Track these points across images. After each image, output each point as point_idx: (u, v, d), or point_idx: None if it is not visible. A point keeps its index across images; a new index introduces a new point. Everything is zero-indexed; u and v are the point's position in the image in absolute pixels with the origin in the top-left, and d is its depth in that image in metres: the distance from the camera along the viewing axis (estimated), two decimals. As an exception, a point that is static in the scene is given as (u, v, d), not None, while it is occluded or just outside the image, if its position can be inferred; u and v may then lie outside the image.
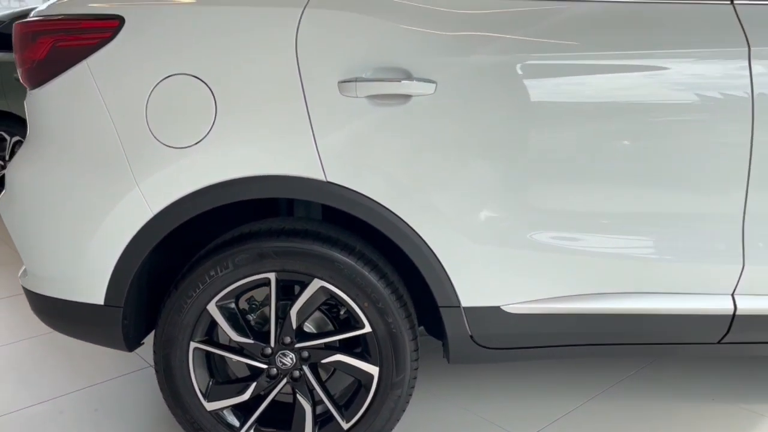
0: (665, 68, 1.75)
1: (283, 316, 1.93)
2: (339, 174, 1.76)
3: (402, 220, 1.79)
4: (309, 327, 2.00)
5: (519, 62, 1.73)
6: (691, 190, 1.79)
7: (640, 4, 1.79)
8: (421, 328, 2.10)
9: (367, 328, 1.89)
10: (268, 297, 1.90)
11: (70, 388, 2.59)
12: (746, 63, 1.72)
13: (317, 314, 1.99)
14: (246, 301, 2.04)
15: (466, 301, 1.87)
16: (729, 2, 1.77)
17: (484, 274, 1.85)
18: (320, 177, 1.75)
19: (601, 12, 1.78)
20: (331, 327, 2.01)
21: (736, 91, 1.73)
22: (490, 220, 1.81)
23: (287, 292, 1.99)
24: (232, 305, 1.93)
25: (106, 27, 1.76)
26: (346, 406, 1.99)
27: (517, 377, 2.55)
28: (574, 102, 1.75)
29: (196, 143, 1.74)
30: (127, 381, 2.63)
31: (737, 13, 1.75)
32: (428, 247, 1.81)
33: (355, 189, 1.77)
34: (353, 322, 1.92)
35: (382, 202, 1.78)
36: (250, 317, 2.01)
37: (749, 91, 1.72)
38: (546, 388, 2.49)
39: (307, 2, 1.73)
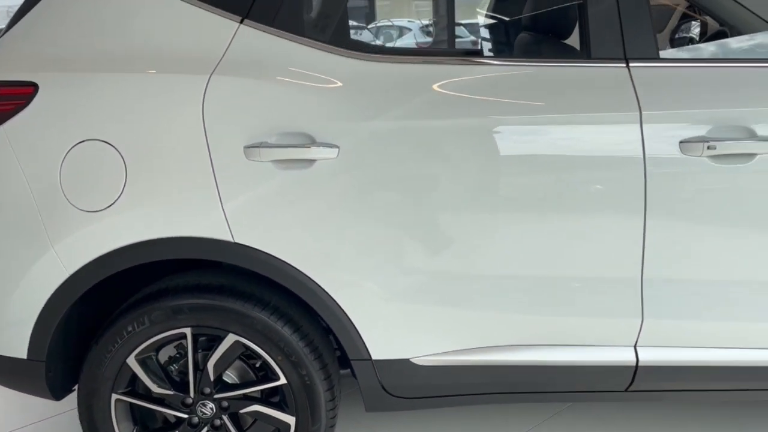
0: (561, 131, 1.80)
1: (203, 366, 1.99)
2: (246, 235, 1.81)
3: (310, 278, 1.85)
4: (231, 376, 2.06)
5: (416, 127, 1.78)
6: (590, 252, 1.84)
7: (539, 67, 1.84)
8: (348, 371, 2.15)
9: (283, 380, 1.95)
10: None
11: (20, 423, 2.65)
12: (638, 126, 1.76)
13: (238, 363, 2.05)
14: (174, 347, 2.10)
15: (376, 354, 1.93)
16: (624, 65, 1.81)
17: (392, 329, 1.91)
18: (228, 238, 1.81)
19: (502, 76, 1.83)
20: (252, 376, 2.07)
21: (629, 155, 1.77)
22: (395, 277, 1.86)
23: (215, 339, 2.04)
24: (153, 358, 1.99)
25: (21, 94, 1.81)
26: (267, 453, 2.05)
27: (449, 412, 2.60)
28: (471, 166, 1.80)
29: (108, 207, 1.80)
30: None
31: (632, 76, 1.80)
32: (337, 304, 1.87)
33: (262, 249, 1.82)
34: (270, 374, 1.98)
35: (289, 262, 1.84)
36: (173, 368, 2.07)
37: (641, 155, 1.77)
38: (480, 423, 2.54)
39: (214, 69, 1.79)
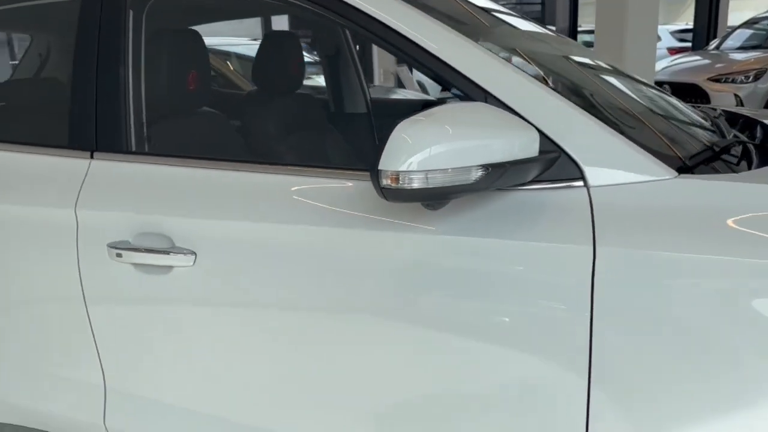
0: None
1: None
2: None
3: None
4: None
5: None
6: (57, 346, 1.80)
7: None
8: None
9: None
10: None
11: None
12: (74, 225, 1.67)
13: None
14: None
15: None
16: (89, 157, 1.73)
17: None
18: None
19: None
20: None
21: (66, 258, 1.69)
22: None
23: None
24: None
25: None
26: None
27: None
28: None
29: None
30: None
31: (89, 169, 1.71)
32: None
33: None
34: None
35: None
36: None
37: (76, 257, 1.68)
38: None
39: None
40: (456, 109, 1.29)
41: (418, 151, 1.20)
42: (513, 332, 1.33)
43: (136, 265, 1.61)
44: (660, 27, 15.06)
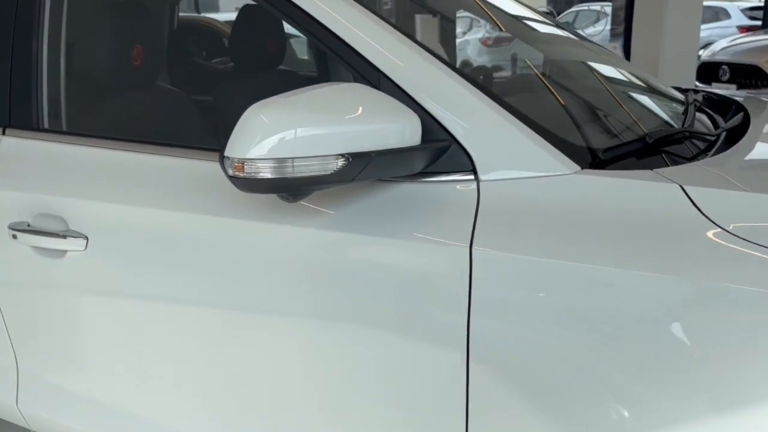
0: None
1: None
2: None
3: None
4: None
5: None
6: None
7: None
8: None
9: None
10: None
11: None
12: None
13: None
14: None
15: None
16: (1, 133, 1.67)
17: None
18: None
19: None
20: None
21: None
22: None
23: None
24: None
25: None
26: None
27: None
28: None
29: None
30: None
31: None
32: None
33: None
34: None
35: None
36: None
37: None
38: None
39: None
40: (322, 90, 1.17)
41: (268, 136, 1.08)
42: (392, 327, 1.22)
43: (33, 247, 1.55)
44: (730, 4, 14.32)
